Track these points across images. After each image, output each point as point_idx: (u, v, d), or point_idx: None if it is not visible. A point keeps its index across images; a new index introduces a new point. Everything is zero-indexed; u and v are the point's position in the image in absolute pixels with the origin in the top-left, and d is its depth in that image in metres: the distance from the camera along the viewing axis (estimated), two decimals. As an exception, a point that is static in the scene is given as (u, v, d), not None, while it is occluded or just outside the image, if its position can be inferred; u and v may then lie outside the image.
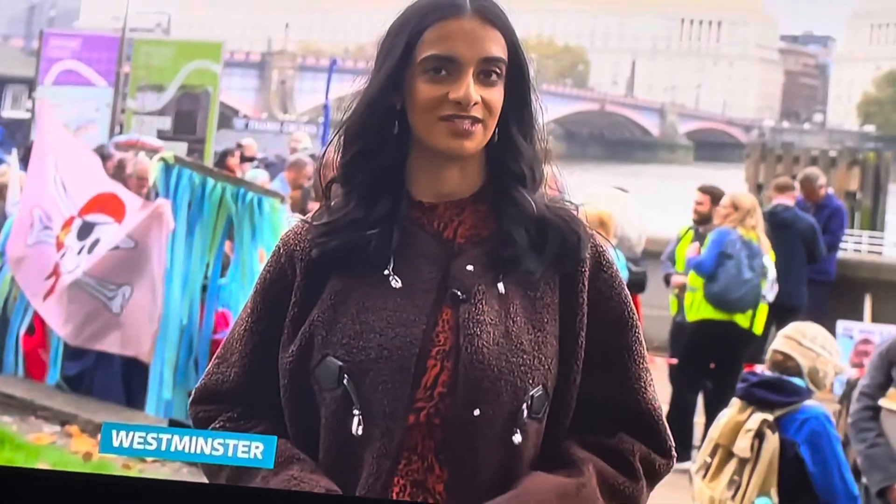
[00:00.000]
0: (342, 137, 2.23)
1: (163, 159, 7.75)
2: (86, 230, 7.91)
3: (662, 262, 9.37)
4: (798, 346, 5.43)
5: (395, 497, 2.10)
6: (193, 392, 2.35)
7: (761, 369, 5.51)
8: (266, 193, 7.80)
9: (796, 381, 5.33)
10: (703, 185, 9.51)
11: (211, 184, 7.61)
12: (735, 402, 5.44)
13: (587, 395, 2.20)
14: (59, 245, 7.97)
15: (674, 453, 2.26)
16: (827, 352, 5.44)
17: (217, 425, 2.26)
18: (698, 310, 8.63)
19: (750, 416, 5.29)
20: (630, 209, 8.35)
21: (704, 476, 5.37)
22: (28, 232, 8.17)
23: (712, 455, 5.39)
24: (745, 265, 8.49)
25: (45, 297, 7.91)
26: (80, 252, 7.83)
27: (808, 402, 5.30)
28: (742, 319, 8.50)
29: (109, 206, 7.90)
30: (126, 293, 7.57)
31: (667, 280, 9.28)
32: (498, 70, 2.15)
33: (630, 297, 2.27)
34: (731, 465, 5.27)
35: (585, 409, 2.20)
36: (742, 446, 5.21)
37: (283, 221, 7.58)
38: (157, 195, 7.69)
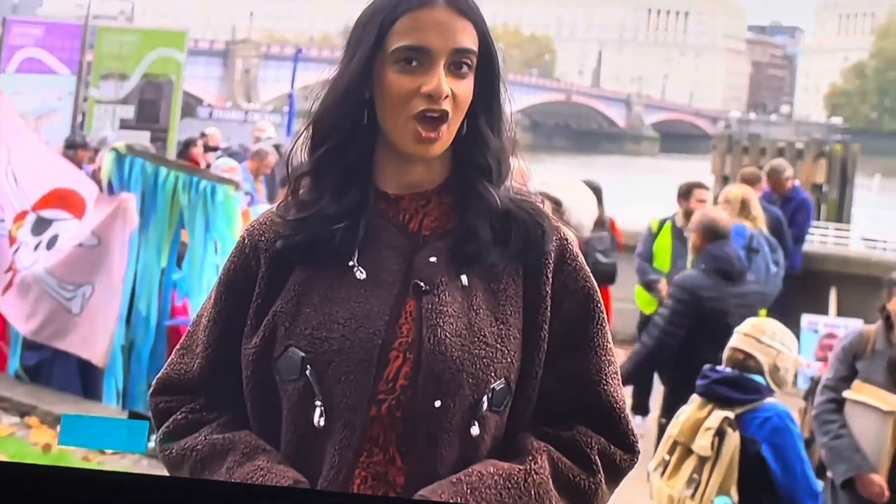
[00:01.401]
0: (312, 130, 2.22)
1: (114, 149, 7.68)
2: (41, 225, 7.83)
3: (638, 264, 9.20)
4: (757, 343, 5.39)
5: (356, 489, 2.08)
6: (154, 383, 2.33)
7: (721, 366, 5.47)
8: (220, 181, 7.74)
9: (757, 378, 5.31)
10: (699, 182, 9.50)
11: (164, 173, 7.55)
12: (695, 399, 5.39)
13: (548, 388, 2.18)
14: (12, 240, 7.89)
15: (637, 448, 2.23)
16: (787, 348, 5.41)
17: (179, 416, 2.25)
18: None
19: (710, 413, 5.24)
20: (585, 196, 8.29)
21: (662, 474, 5.34)
22: None
23: (671, 452, 5.35)
24: (770, 259, 8.50)
25: (5, 290, 7.85)
26: (36, 248, 7.76)
27: (769, 400, 5.25)
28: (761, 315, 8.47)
29: (68, 201, 7.82)
30: (86, 293, 7.51)
31: (648, 286, 9.12)
32: (469, 62, 2.14)
33: (597, 289, 2.26)
34: (691, 463, 5.22)
35: (546, 401, 2.19)
36: (702, 444, 5.16)
37: (237, 210, 7.54)
38: (110, 186, 7.62)
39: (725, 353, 5.49)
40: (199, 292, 7.16)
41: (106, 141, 10.95)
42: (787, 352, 5.38)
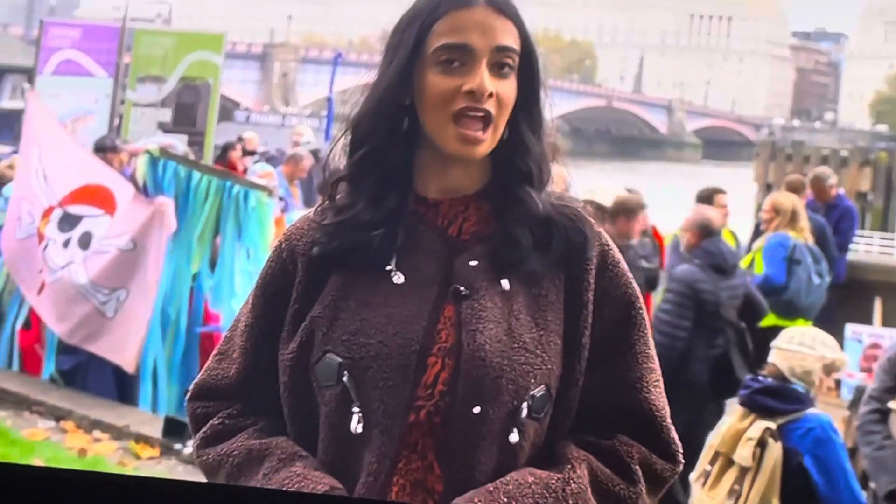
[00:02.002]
0: (350, 136, 2.19)
1: (148, 152, 7.69)
2: (69, 221, 7.84)
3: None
4: (776, 350, 5.39)
5: (394, 496, 2.06)
6: (191, 388, 2.31)
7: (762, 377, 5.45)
8: (253, 186, 7.74)
9: (798, 387, 5.28)
10: (718, 187, 9.49)
11: (196, 177, 7.56)
12: (736, 410, 5.37)
13: (588, 395, 2.15)
14: (41, 237, 7.91)
15: (680, 459, 2.19)
16: (807, 347, 5.36)
17: (216, 422, 2.23)
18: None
19: (752, 423, 5.22)
20: None
21: (704, 484, 5.31)
22: (17, 225, 8.13)
23: (712, 463, 5.32)
24: (812, 271, 8.45)
25: (39, 291, 7.87)
26: (66, 245, 7.77)
27: (811, 410, 5.22)
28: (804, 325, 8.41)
29: (97, 197, 7.83)
30: (121, 297, 7.51)
31: None
32: (511, 61, 2.11)
33: (639, 295, 2.23)
34: (732, 474, 5.20)
35: (587, 408, 2.15)
36: (743, 455, 5.14)
37: (270, 216, 7.53)
38: (145, 189, 7.62)
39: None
40: (231, 298, 7.18)
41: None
42: (808, 350, 5.34)
